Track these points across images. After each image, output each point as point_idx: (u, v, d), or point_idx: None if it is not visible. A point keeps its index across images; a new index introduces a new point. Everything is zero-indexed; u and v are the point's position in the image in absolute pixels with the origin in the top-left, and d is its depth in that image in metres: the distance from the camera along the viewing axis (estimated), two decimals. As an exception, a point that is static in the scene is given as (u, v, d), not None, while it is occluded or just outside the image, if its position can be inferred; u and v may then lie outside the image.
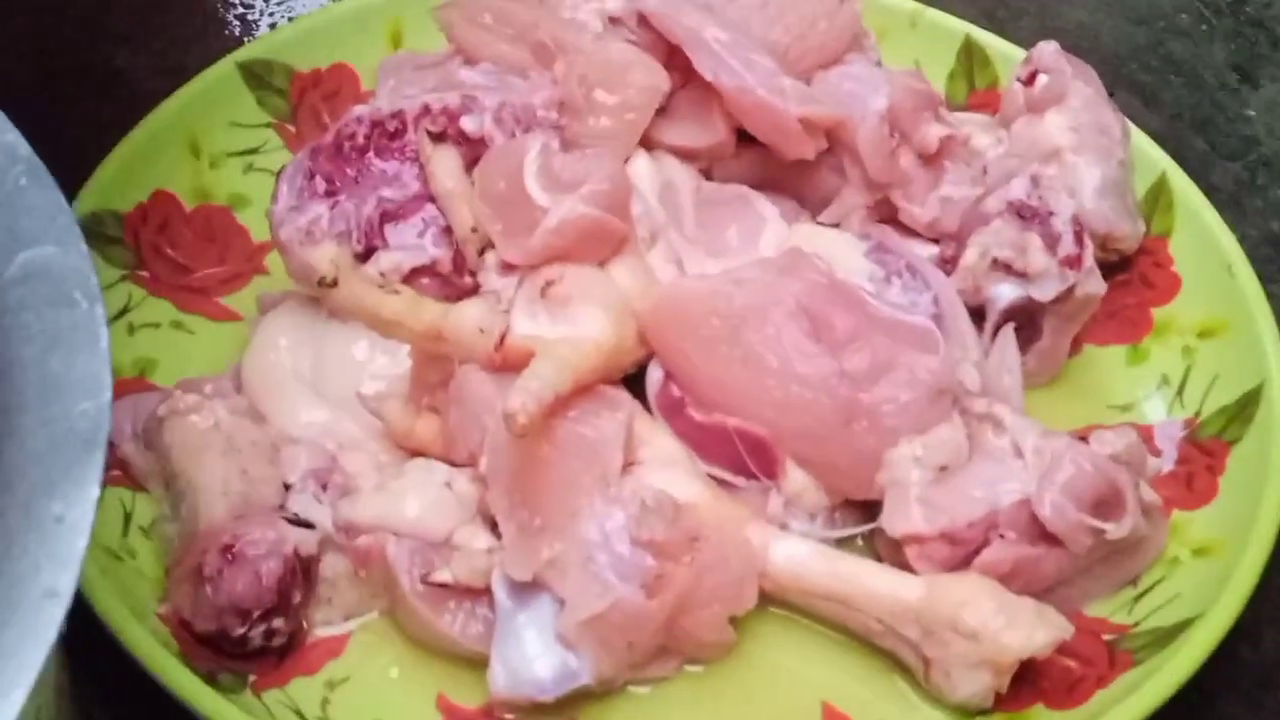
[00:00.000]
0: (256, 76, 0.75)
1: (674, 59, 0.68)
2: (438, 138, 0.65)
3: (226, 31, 0.85)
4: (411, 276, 0.64)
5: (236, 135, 0.74)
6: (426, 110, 0.65)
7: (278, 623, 0.57)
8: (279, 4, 0.87)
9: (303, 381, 0.64)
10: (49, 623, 0.34)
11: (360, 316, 0.60)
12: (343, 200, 0.64)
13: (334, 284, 0.60)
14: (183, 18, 0.86)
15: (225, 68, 0.75)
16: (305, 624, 0.58)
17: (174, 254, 0.70)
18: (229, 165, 0.74)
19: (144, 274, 0.69)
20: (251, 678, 0.57)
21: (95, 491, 0.36)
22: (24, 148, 0.43)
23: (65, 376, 0.38)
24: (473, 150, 0.65)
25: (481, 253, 0.64)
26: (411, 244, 0.64)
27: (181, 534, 0.59)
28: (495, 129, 0.65)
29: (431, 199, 0.65)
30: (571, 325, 0.61)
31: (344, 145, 0.65)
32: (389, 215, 0.64)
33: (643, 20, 0.69)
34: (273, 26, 0.85)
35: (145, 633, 0.54)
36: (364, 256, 0.64)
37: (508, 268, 0.63)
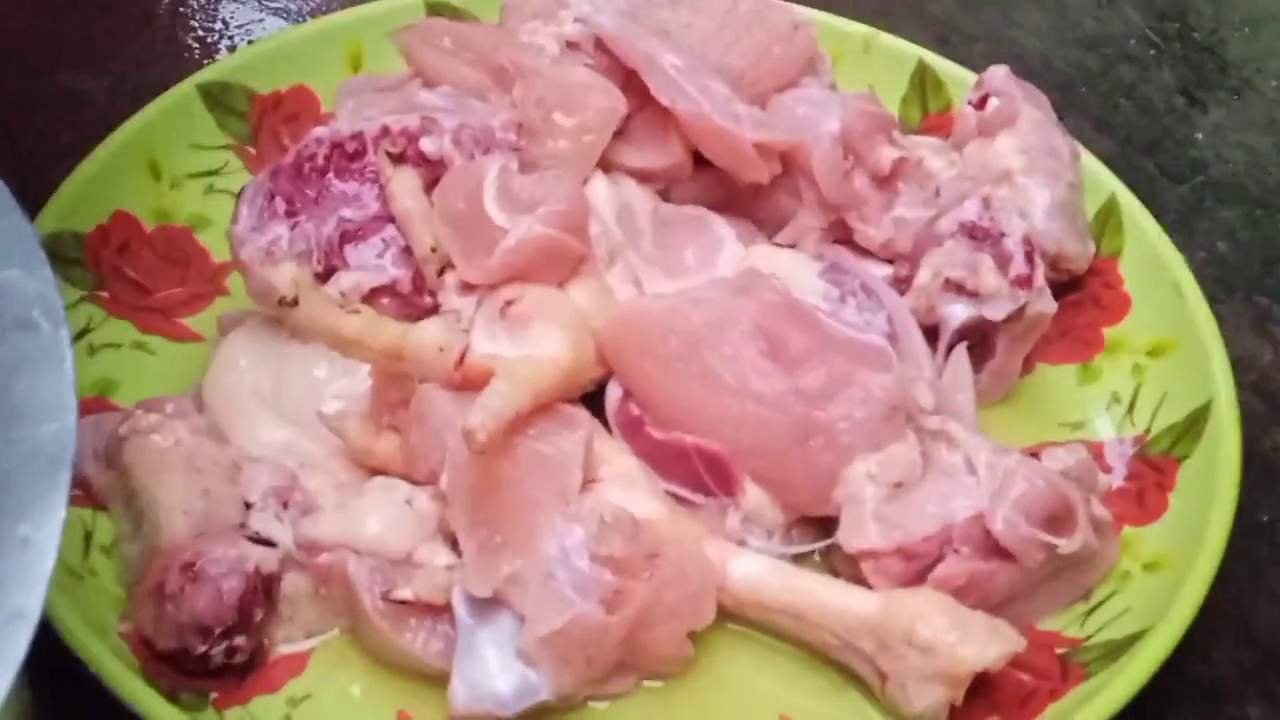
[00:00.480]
0: (216, 99, 0.76)
1: (631, 82, 0.69)
2: (397, 159, 0.66)
3: (185, 54, 0.86)
4: (371, 296, 0.64)
5: (197, 157, 0.75)
6: (386, 131, 0.66)
7: (239, 640, 0.57)
8: (238, 27, 0.88)
9: (263, 401, 0.64)
10: (17, 644, 0.34)
11: (321, 336, 0.61)
12: (303, 221, 0.65)
13: (294, 303, 0.60)
14: (141, 40, 0.86)
15: (185, 90, 0.75)
16: (267, 642, 0.59)
17: (134, 274, 0.71)
18: (189, 186, 0.74)
19: (104, 294, 0.69)
20: (213, 695, 0.57)
21: (62, 513, 0.37)
22: (-13, 172, 0.44)
23: (30, 399, 0.39)
24: (432, 171, 0.66)
25: (441, 273, 0.65)
26: (371, 264, 0.65)
27: (143, 552, 0.59)
28: (454, 150, 0.66)
29: (391, 219, 0.65)
30: (530, 344, 0.61)
31: (304, 166, 0.66)
32: (349, 235, 0.65)
33: (600, 45, 0.70)
34: (232, 49, 0.86)
35: (107, 651, 0.54)
36: (324, 276, 0.64)
37: (467, 287, 0.64)
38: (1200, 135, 0.88)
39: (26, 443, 0.38)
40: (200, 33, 0.87)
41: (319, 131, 0.67)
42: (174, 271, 0.72)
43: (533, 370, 0.60)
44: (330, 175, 0.66)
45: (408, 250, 0.65)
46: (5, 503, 0.37)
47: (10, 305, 0.40)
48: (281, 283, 0.60)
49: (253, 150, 0.76)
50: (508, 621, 0.57)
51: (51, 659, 0.53)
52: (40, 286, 0.41)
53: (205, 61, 0.85)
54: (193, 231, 0.73)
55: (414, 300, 0.65)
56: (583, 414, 0.62)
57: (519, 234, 0.63)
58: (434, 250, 0.64)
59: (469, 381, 0.61)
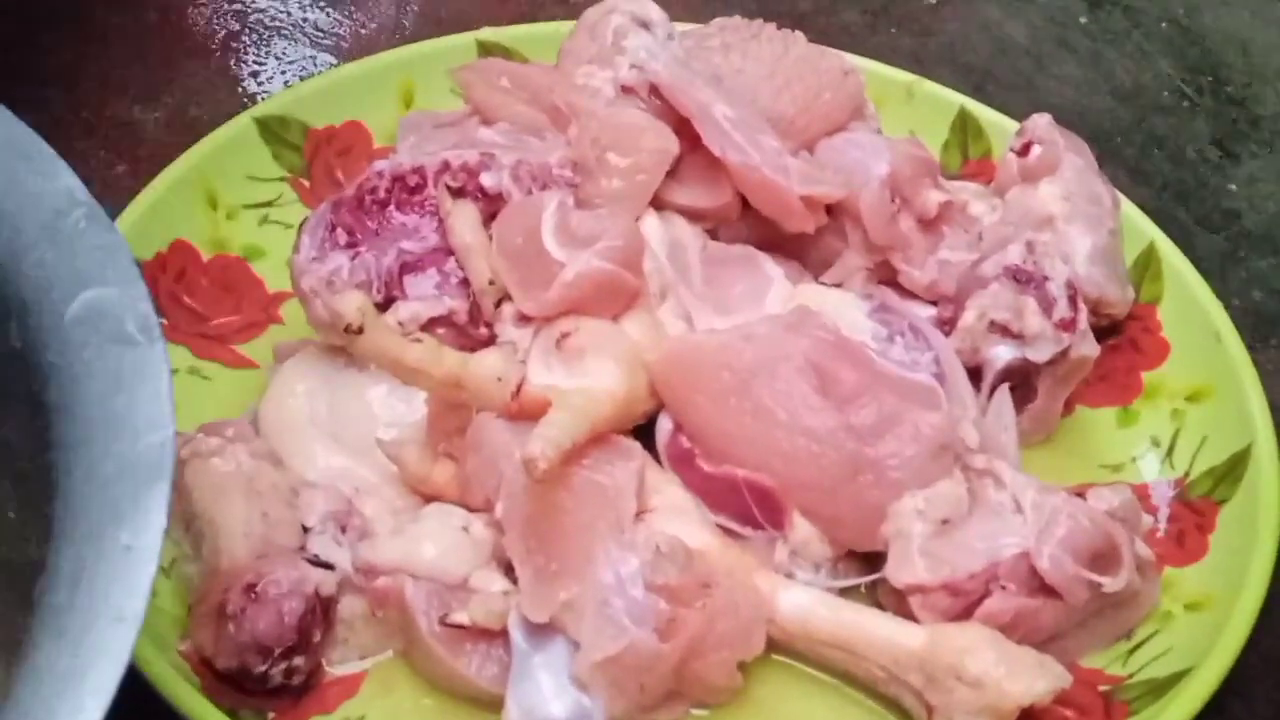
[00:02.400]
0: (272, 132, 0.77)
1: (683, 124, 0.70)
2: (457, 193, 0.67)
3: (238, 88, 0.87)
4: (429, 326, 0.66)
5: (252, 188, 0.76)
6: (446, 166, 0.67)
7: (298, 661, 0.58)
8: (290, 62, 0.89)
9: (320, 428, 0.65)
10: (121, 645, 0.35)
11: (382, 363, 0.62)
12: (363, 251, 0.66)
13: (359, 331, 0.61)
14: (193, 73, 0.87)
15: (242, 123, 0.76)
16: (324, 663, 0.60)
17: (191, 302, 0.72)
18: (245, 217, 0.75)
19: (163, 321, 0.70)
20: (270, 715, 0.58)
21: (162, 522, 0.38)
22: (82, 192, 0.45)
23: (130, 412, 0.40)
24: (490, 206, 0.67)
25: (498, 305, 0.66)
26: (429, 295, 0.66)
27: (203, 573, 0.60)
28: (513, 185, 0.67)
29: (449, 252, 0.66)
30: (585, 376, 0.63)
31: (365, 198, 0.67)
32: (408, 267, 0.66)
33: (654, 90, 0.71)
34: (285, 84, 0.87)
35: (169, 669, 0.55)
36: (383, 306, 0.65)
37: (524, 319, 0.65)
38: (1234, 186, 0.89)
39: (127, 454, 0.39)
40: (253, 67, 0.88)
41: (380, 165, 0.68)
42: (229, 300, 0.73)
43: (589, 401, 0.61)
44: (391, 207, 0.67)
45: (465, 282, 0.66)
46: (107, 511, 0.38)
47: (108, 320, 0.42)
48: (348, 311, 0.61)
49: (306, 183, 0.78)
50: (562, 647, 0.58)
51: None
52: (136, 303, 0.42)
53: (259, 96, 0.86)
54: (248, 261, 0.74)
55: (469, 331, 0.66)
56: (636, 446, 0.63)
57: (576, 268, 0.64)
58: (491, 283, 0.65)
59: (525, 411, 0.62)
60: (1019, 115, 0.79)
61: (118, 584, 0.36)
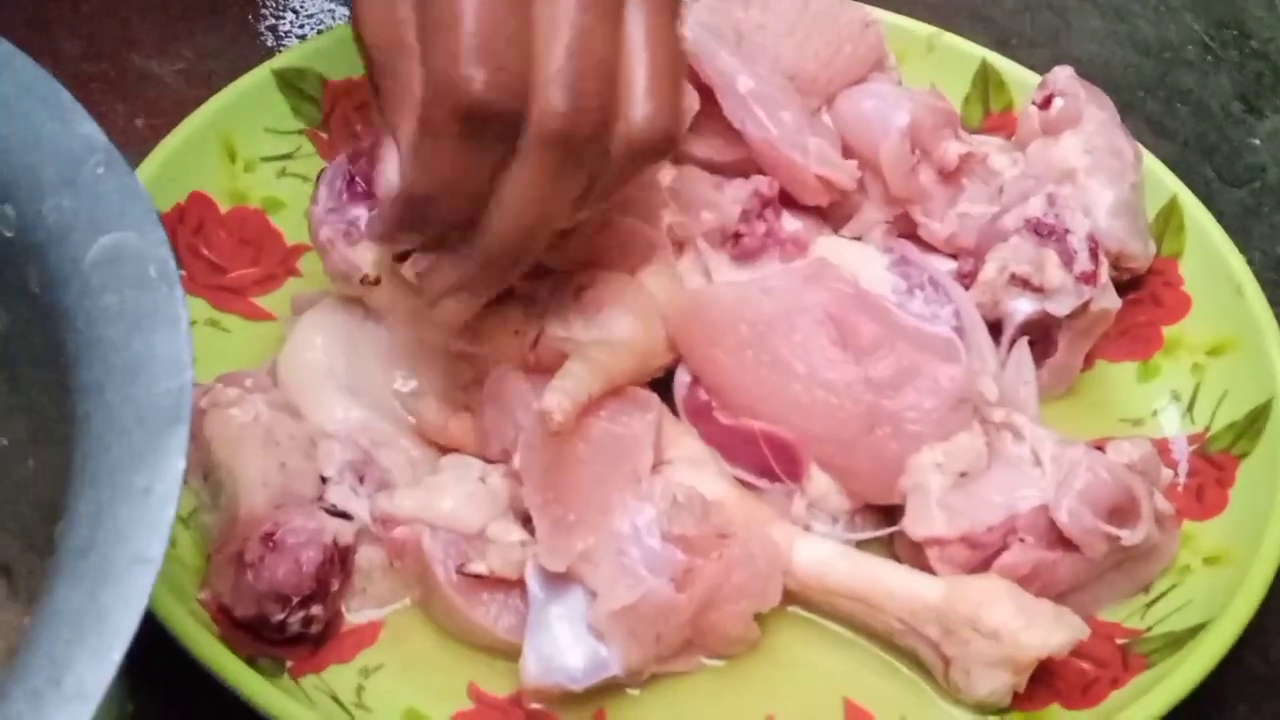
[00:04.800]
0: (290, 84, 0.77)
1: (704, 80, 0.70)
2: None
3: (257, 41, 0.87)
4: (446, 278, 0.65)
5: (270, 141, 0.76)
6: (466, 117, 0.67)
7: (316, 610, 0.58)
8: (308, 16, 0.89)
9: (337, 379, 0.65)
10: (141, 587, 0.35)
11: (399, 314, 0.62)
12: (381, 203, 0.66)
13: (376, 282, 0.61)
14: (213, 27, 0.87)
15: (261, 74, 0.76)
16: (343, 610, 0.60)
17: (210, 254, 0.72)
18: (263, 169, 0.75)
19: (181, 273, 0.70)
20: (289, 664, 0.58)
21: (180, 464, 0.38)
22: (100, 137, 0.45)
23: (148, 356, 0.40)
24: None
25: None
26: (446, 246, 0.66)
27: (221, 523, 0.60)
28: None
29: (467, 204, 0.66)
30: (603, 329, 0.63)
31: (383, 149, 0.67)
32: (426, 218, 0.66)
33: (676, 50, 0.71)
34: (302, 38, 0.87)
35: (188, 617, 0.56)
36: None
37: (541, 271, 0.65)
38: (1257, 141, 0.89)
39: (144, 398, 0.39)
40: (271, 21, 0.88)
41: (399, 115, 0.68)
42: (248, 252, 0.73)
43: (606, 354, 0.61)
44: (409, 158, 0.67)
45: (482, 234, 0.66)
46: (125, 455, 0.38)
47: (127, 265, 0.42)
48: (365, 261, 0.61)
49: (324, 135, 0.78)
50: (579, 597, 0.58)
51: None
52: (155, 247, 0.42)
53: (277, 49, 0.86)
54: (266, 213, 0.74)
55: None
56: (653, 397, 0.63)
57: (594, 221, 0.64)
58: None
59: (542, 364, 0.62)
60: (1042, 69, 0.79)
61: (137, 526, 0.36)
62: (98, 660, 0.34)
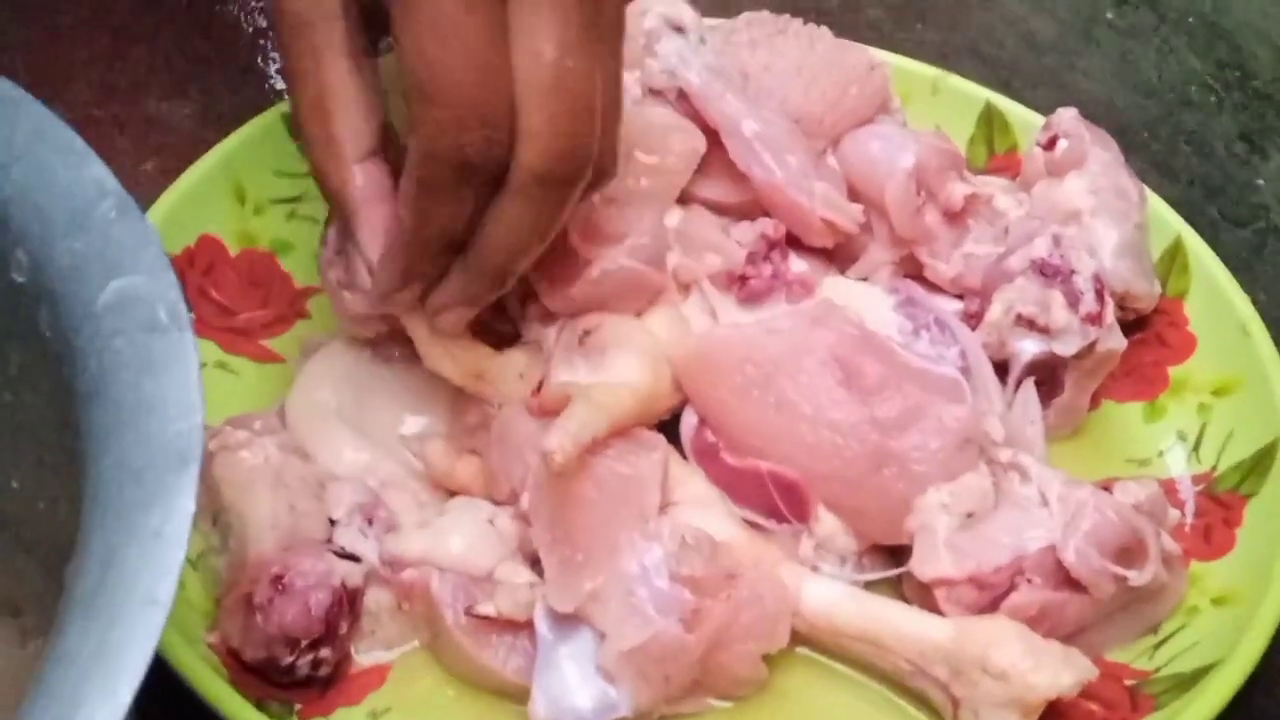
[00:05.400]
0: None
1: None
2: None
3: (266, 84, 0.88)
4: (453, 320, 0.66)
5: (280, 183, 0.76)
6: (471, 161, 0.67)
7: (325, 652, 0.58)
8: (317, 59, 0.89)
9: (346, 421, 0.66)
10: (151, 628, 0.36)
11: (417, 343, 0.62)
12: (389, 246, 0.66)
13: (387, 322, 0.61)
14: (223, 69, 0.88)
15: (270, 117, 0.77)
16: (352, 653, 0.60)
17: (219, 296, 0.72)
18: (272, 212, 0.76)
19: (191, 316, 0.70)
20: (298, 707, 0.58)
21: (190, 505, 0.38)
22: (112, 181, 0.45)
23: (159, 398, 0.40)
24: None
25: (524, 303, 0.66)
26: (453, 289, 0.66)
27: (230, 565, 0.60)
28: (538, 182, 0.67)
29: (474, 247, 0.67)
30: (608, 372, 0.63)
31: (391, 193, 0.67)
32: (433, 261, 0.66)
33: (681, 95, 0.71)
34: (311, 80, 0.87)
35: (197, 660, 0.56)
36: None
37: (549, 317, 0.65)
38: (1261, 181, 0.89)
39: (155, 440, 0.39)
40: (279, 63, 0.89)
41: (407, 159, 0.68)
42: (257, 294, 0.73)
43: (610, 396, 0.61)
44: (417, 202, 0.67)
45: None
46: (136, 496, 0.38)
47: (138, 308, 0.42)
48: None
49: (333, 179, 0.78)
50: (588, 638, 0.58)
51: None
52: (166, 291, 0.42)
53: (285, 91, 0.86)
54: (275, 255, 0.75)
55: (494, 325, 0.66)
56: (659, 438, 0.63)
57: (603, 265, 0.64)
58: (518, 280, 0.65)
59: (545, 408, 0.62)
60: (1045, 110, 0.79)
61: (148, 568, 0.37)
62: (106, 701, 0.34)
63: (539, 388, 0.63)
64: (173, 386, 0.40)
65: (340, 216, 0.61)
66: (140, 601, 0.36)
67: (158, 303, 0.42)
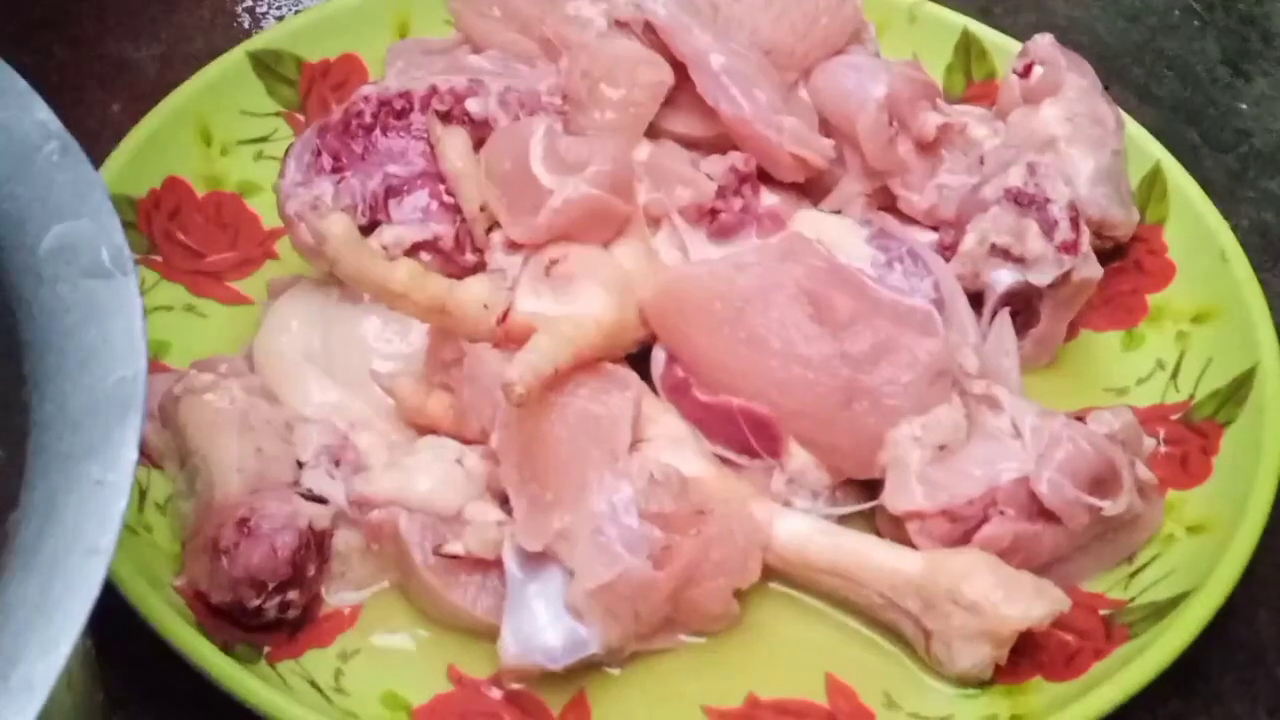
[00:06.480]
0: (266, 66, 0.77)
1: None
2: (444, 118, 0.66)
3: (234, 24, 0.86)
4: (413, 251, 0.65)
5: (246, 124, 0.76)
6: (434, 91, 0.66)
7: (292, 595, 0.58)
8: (285, -4, 0.88)
9: (314, 363, 0.65)
10: (92, 579, 0.35)
11: (367, 287, 0.61)
12: (348, 176, 0.66)
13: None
14: (190, 10, 0.87)
15: (235, 57, 0.76)
16: (322, 594, 0.60)
17: (186, 239, 0.72)
18: (239, 153, 0.75)
19: (157, 259, 0.70)
20: (266, 649, 0.58)
21: (133, 455, 0.37)
22: (55, 124, 0.45)
23: (101, 345, 0.40)
24: (477, 132, 0.67)
25: (489, 231, 0.65)
26: (414, 219, 0.65)
27: (197, 509, 0.60)
28: (500, 111, 0.66)
29: (435, 177, 0.66)
30: (573, 303, 0.62)
31: (351, 123, 0.67)
32: (393, 191, 0.65)
33: (648, 28, 0.70)
34: (279, 19, 0.86)
35: (163, 604, 0.56)
36: (367, 230, 0.65)
37: (514, 246, 0.65)
38: (1244, 106, 0.88)
39: (98, 388, 0.39)
40: (249, 2, 0.87)
41: (367, 89, 0.67)
42: (224, 236, 0.73)
43: (574, 328, 0.61)
44: (377, 132, 0.66)
45: (450, 207, 0.65)
46: (77, 445, 0.38)
47: (81, 253, 0.41)
48: (332, 232, 0.60)
49: (301, 117, 0.77)
50: (557, 576, 0.58)
51: (109, 614, 0.55)
52: (110, 235, 0.42)
53: (254, 31, 0.85)
54: (243, 197, 0.74)
55: (456, 257, 0.66)
56: (632, 376, 0.63)
57: (565, 194, 0.63)
58: (483, 209, 0.65)
59: (511, 338, 0.61)
60: (1025, 36, 0.78)
61: (90, 518, 0.36)
62: (46, 652, 0.34)
63: (504, 316, 0.62)
64: (116, 333, 0.40)
65: None
66: (82, 552, 0.36)
67: (101, 247, 0.41)
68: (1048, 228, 0.67)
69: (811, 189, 0.71)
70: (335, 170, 0.65)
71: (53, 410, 0.39)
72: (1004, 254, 0.68)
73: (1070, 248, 0.67)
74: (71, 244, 0.42)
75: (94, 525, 0.36)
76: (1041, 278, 0.68)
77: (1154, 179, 0.75)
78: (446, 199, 0.65)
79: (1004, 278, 0.68)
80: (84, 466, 0.37)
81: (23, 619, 0.35)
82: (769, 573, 0.61)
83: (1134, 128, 0.76)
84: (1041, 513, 0.60)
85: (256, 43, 0.77)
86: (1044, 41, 0.75)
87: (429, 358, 0.63)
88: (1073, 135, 0.72)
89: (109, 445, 0.38)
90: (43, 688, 0.33)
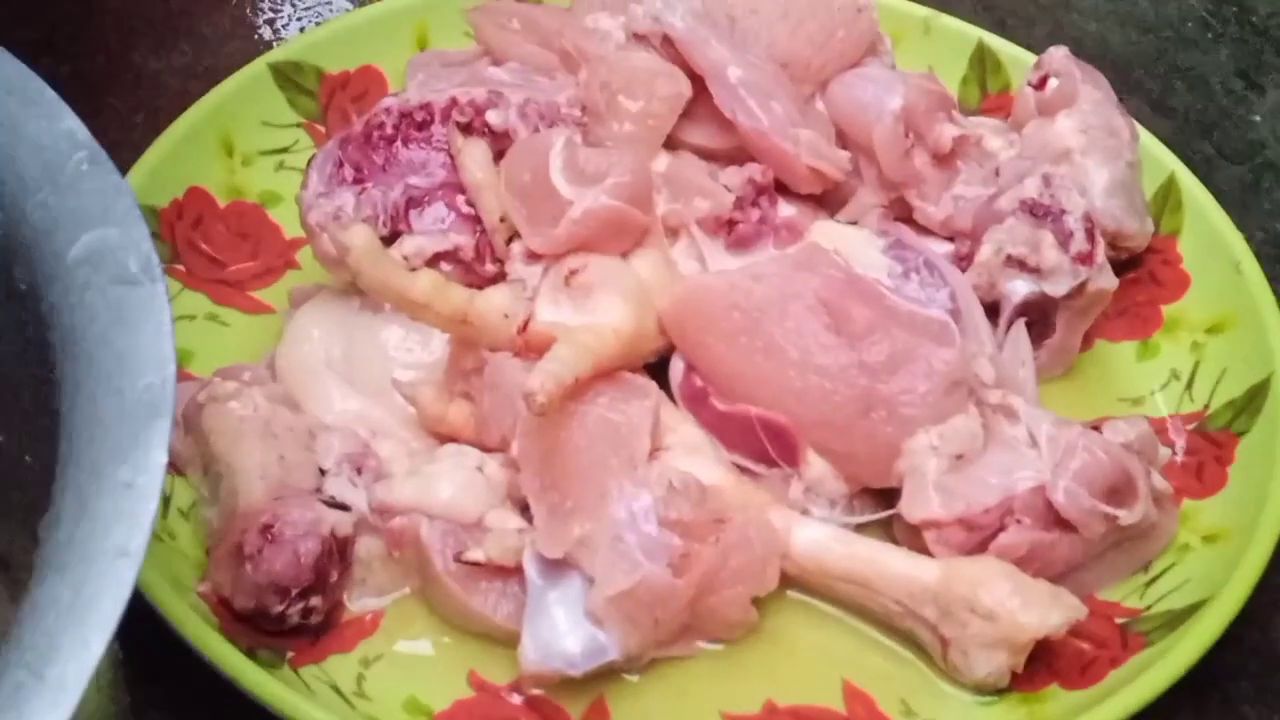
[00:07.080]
0: (287, 77, 0.77)
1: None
2: (465, 129, 0.67)
3: (255, 35, 0.87)
4: (434, 261, 0.66)
5: (268, 134, 0.76)
6: (454, 103, 0.67)
7: (315, 601, 0.58)
8: (306, 9, 0.89)
9: (335, 371, 0.66)
10: (123, 579, 0.36)
11: (389, 297, 0.61)
12: (370, 187, 0.66)
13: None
14: (213, 21, 0.88)
15: (257, 68, 0.77)
16: (345, 600, 0.60)
17: (208, 249, 0.72)
18: (261, 163, 0.76)
19: (180, 268, 0.71)
20: (289, 654, 0.59)
21: (163, 458, 0.38)
22: (83, 133, 0.45)
23: (131, 351, 0.40)
24: (497, 143, 0.67)
25: (509, 242, 0.66)
26: (434, 230, 0.66)
27: (221, 516, 0.61)
28: (520, 123, 0.67)
29: (456, 188, 0.67)
30: (593, 313, 0.63)
31: (373, 134, 0.67)
32: (414, 202, 0.66)
33: (666, 41, 0.70)
34: (301, 30, 0.87)
35: (188, 609, 0.56)
36: (388, 241, 0.65)
37: (533, 257, 0.65)
38: (1258, 117, 0.88)
39: (127, 393, 0.39)
40: (270, 15, 0.88)
41: (388, 101, 0.68)
42: (246, 246, 0.73)
43: (594, 338, 0.61)
44: (398, 143, 0.67)
45: (471, 218, 0.66)
46: (107, 449, 0.38)
47: (109, 261, 0.42)
48: (354, 243, 0.60)
49: (322, 128, 0.78)
50: (577, 583, 0.58)
51: (134, 619, 0.55)
52: (138, 244, 0.42)
53: (275, 42, 0.86)
54: (264, 207, 0.75)
55: (476, 267, 0.66)
56: (651, 385, 0.63)
57: (584, 205, 0.64)
58: (503, 220, 0.65)
59: (531, 347, 0.62)
60: (1040, 48, 0.78)
61: (119, 520, 0.37)
62: (79, 652, 0.34)
63: (524, 326, 0.63)
64: (144, 339, 0.40)
65: None
66: (112, 554, 0.36)
67: (129, 255, 0.42)
68: (1063, 239, 0.68)
69: (828, 200, 0.72)
70: (357, 181, 0.66)
71: (83, 416, 0.39)
72: (1020, 265, 0.68)
73: (1085, 259, 0.68)
74: (100, 252, 0.42)
75: (124, 527, 0.37)
76: (1057, 288, 0.68)
77: (1168, 190, 0.76)
78: (467, 210, 0.66)
79: (1020, 288, 0.68)
80: (114, 470, 0.38)
81: (55, 619, 0.35)
82: (787, 580, 0.61)
83: (1148, 139, 0.77)
84: (1058, 521, 0.61)
85: (277, 54, 0.78)
86: (1059, 54, 0.76)
87: (450, 367, 0.63)
88: (1088, 147, 0.73)
89: (138, 449, 0.38)
90: (75, 687, 0.33)
